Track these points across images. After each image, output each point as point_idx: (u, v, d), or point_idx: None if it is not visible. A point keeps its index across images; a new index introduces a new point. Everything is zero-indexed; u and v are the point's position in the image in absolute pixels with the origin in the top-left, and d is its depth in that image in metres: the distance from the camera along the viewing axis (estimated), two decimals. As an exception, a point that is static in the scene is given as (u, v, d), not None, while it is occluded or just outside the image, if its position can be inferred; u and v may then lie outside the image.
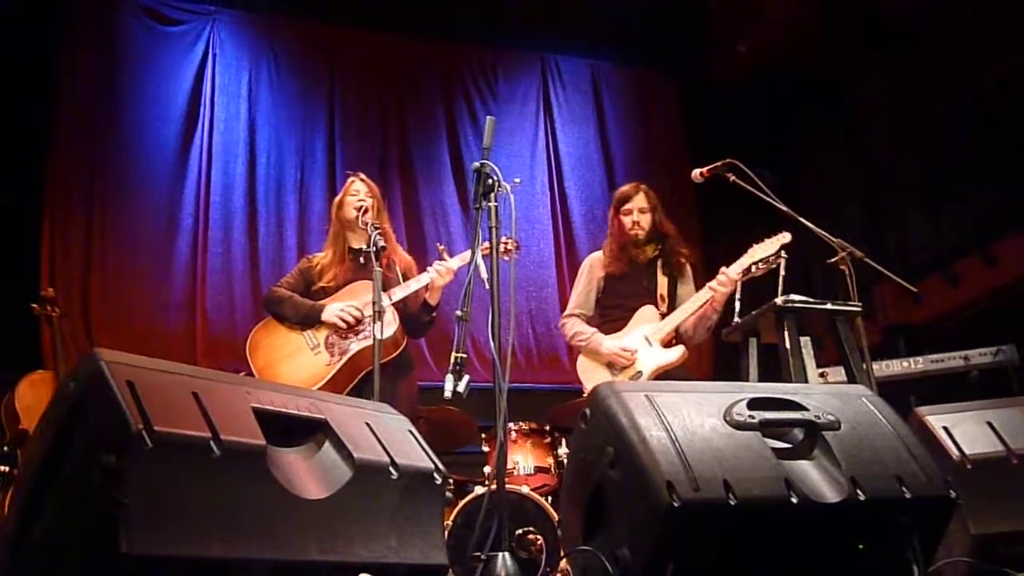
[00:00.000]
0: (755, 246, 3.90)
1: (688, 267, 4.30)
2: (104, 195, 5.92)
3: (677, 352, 3.99)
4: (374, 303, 3.33)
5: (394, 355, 3.83)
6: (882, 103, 6.61)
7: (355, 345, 3.83)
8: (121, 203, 5.94)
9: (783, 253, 3.76)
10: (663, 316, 4.09)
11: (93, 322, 5.67)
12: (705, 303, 3.96)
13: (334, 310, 3.86)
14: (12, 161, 5.50)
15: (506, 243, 3.57)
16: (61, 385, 1.70)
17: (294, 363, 3.87)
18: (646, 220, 4.18)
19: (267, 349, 3.93)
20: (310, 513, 1.74)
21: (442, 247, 4.01)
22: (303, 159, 6.50)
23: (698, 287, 4.19)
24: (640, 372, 3.99)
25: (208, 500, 1.58)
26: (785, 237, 3.82)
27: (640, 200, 4.18)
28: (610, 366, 4.08)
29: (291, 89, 6.61)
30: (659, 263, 4.22)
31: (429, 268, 3.89)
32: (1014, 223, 5.45)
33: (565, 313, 4.35)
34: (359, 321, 3.85)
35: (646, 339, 4.03)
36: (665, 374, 3.95)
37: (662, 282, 4.18)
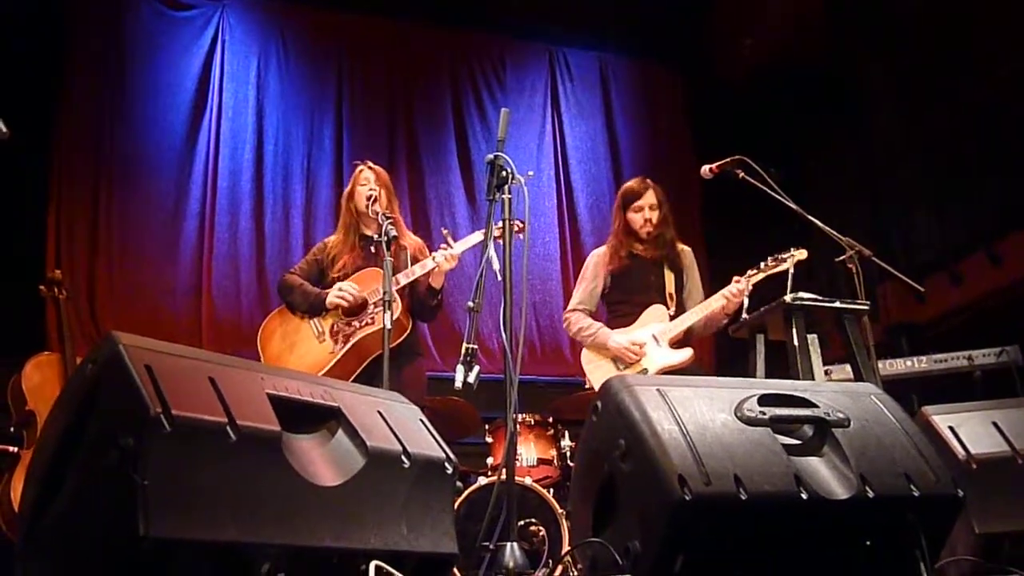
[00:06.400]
0: (771, 262, 3.86)
1: (690, 256, 4.28)
2: (111, 179, 5.92)
3: (685, 354, 3.96)
4: (384, 292, 3.35)
5: (399, 340, 3.82)
6: (888, 100, 6.57)
7: (359, 332, 3.84)
8: (128, 188, 5.94)
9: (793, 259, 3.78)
10: (672, 316, 4.07)
11: (99, 305, 5.68)
12: (716, 309, 3.95)
13: (332, 295, 3.89)
14: (19, 144, 5.47)
15: (515, 224, 3.50)
16: (79, 368, 1.71)
17: (301, 351, 3.89)
18: (656, 217, 4.13)
19: (277, 338, 3.96)
20: (323, 500, 1.75)
21: (447, 231, 3.99)
22: (311, 146, 6.49)
23: (704, 281, 4.22)
24: (646, 370, 3.96)
25: (224, 485, 1.59)
26: (802, 254, 3.81)
27: (650, 196, 4.14)
28: (616, 360, 4.05)
29: (300, 76, 6.60)
30: (664, 259, 4.18)
31: (434, 253, 3.89)
32: (1020, 221, 5.41)
33: (568, 308, 4.29)
34: (360, 304, 3.86)
35: (654, 337, 4.01)
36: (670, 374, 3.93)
37: (669, 279, 4.15)
